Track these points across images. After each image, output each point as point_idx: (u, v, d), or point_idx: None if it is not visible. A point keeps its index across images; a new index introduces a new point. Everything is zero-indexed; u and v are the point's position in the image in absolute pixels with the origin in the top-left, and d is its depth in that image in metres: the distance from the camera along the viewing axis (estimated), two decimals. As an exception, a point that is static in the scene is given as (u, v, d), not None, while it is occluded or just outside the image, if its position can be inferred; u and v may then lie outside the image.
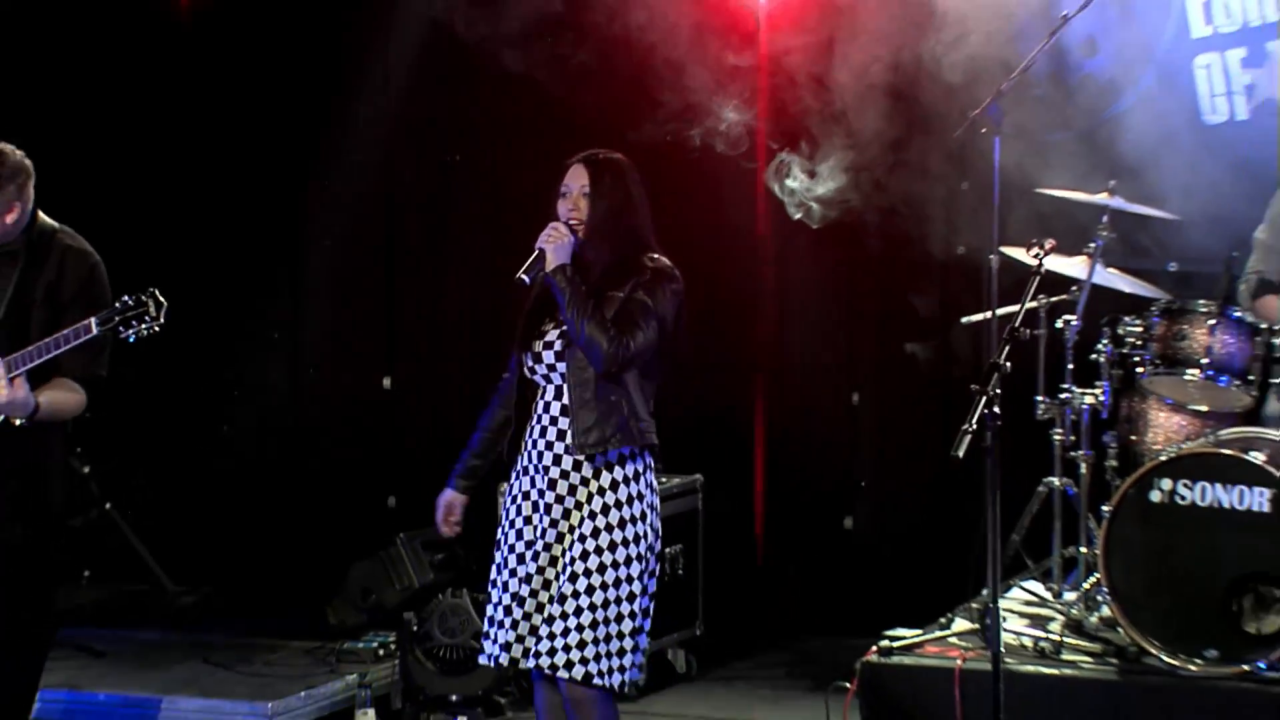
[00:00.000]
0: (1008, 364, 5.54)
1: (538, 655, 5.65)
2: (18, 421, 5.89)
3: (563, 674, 5.61)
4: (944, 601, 7.48)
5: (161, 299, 5.82)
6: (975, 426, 5.36)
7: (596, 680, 5.62)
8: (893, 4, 8.20)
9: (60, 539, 6.31)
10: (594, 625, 5.64)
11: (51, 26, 9.81)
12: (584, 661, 5.62)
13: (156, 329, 5.83)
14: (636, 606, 5.71)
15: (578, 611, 5.63)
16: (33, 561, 6.11)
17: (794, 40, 8.70)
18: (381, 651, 8.11)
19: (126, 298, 5.84)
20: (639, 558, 5.71)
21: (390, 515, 9.47)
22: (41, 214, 6.18)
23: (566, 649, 5.62)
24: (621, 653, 5.68)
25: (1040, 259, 6.11)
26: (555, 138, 8.87)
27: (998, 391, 5.45)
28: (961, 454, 5.27)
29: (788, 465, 9.45)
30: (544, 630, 5.65)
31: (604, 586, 5.65)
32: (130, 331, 5.82)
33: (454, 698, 7.71)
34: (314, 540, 9.46)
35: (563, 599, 5.65)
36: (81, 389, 6.03)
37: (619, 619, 5.67)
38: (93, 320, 5.83)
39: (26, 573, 6.09)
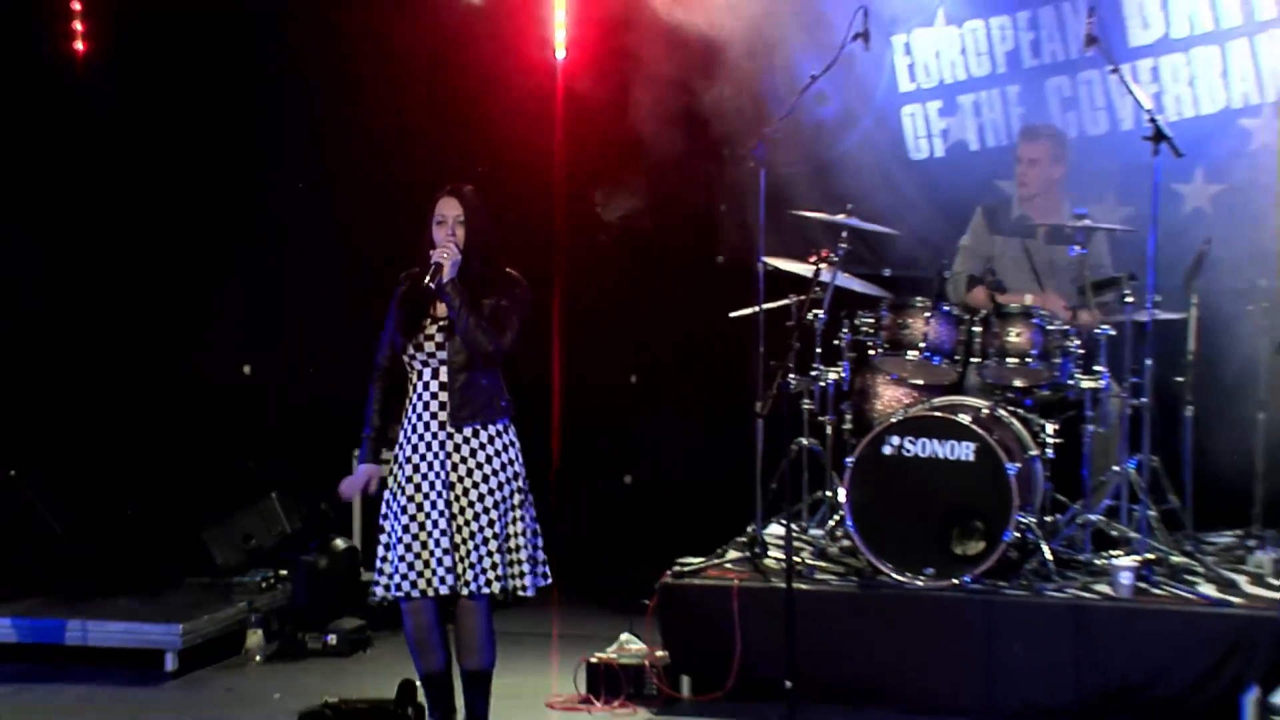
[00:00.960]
0: (798, 343, 6.20)
1: (461, 581, 6.13)
2: None
3: (484, 590, 6.10)
4: (712, 539, 7.80)
5: None
6: (776, 391, 5.96)
7: (506, 589, 6.14)
8: (674, 52, 8.44)
9: None
10: (497, 548, 6.14)
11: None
12: (498, 578, 6.14)
13: None
14: (527, 525, 6.30)
15: (485, 540, 6.14)
16: None
17: (588, 84, 9.01)
18: (264, 585, 8.40)
19: None
20: (520, 489, 6.30)
21: (250, 476, 9.46)
22: None
23: (481, 572, 6.11)
24: (518, 562, 6.26)
25: (818, 265, 6.80)
26: (385, 170, 9.38)
27: (791, 365, 6.11)
28: (766, 412, 5.92)
29: (579, 433, 9.77)
30: (471, 561, 6.12)
31: (500, 516, 6.20)
32: None
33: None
34: (189, 497, 9.40)
35: (470, 534, 6.14)
36: None
37: (513, 535, 6.24)
38: None
39: None
